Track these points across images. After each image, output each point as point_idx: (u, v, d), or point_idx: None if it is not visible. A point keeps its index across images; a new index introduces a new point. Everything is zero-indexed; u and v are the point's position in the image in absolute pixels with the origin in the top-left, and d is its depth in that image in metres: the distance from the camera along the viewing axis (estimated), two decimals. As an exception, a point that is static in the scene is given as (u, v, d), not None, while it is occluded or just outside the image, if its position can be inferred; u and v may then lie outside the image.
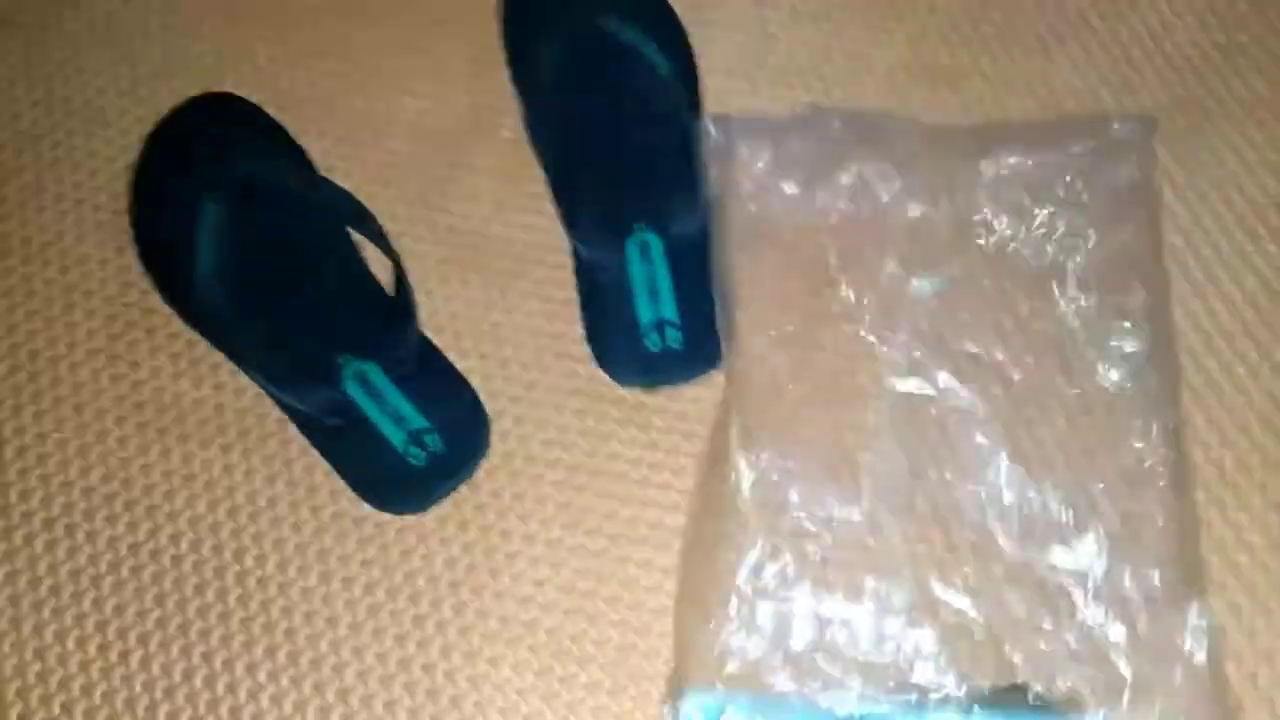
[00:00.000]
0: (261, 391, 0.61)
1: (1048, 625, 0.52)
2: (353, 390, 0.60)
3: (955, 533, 0.56)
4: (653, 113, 0.65)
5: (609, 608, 0.57)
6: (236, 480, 0.60)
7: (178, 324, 0.62)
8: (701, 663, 0.53)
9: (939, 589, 0.53)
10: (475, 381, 0.62)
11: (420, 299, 0.63)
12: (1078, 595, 0.53)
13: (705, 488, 0.58)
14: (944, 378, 0.58)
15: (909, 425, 0.58)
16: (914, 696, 0.51)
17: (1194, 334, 0.62)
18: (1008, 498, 0.55)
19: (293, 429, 0.60)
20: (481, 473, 0.60)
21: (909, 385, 0.58)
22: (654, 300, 0.62)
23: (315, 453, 0.60)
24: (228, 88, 0.68)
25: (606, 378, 0.62)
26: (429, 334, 0.63)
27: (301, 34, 0.71)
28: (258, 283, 0.62)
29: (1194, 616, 0.52)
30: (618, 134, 0.65)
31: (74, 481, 0.60)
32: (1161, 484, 0.55)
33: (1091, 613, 0.52)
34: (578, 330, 0.63)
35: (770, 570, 0.54)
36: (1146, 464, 0.56)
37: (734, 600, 0.54)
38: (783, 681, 0.52)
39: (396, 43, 0.71)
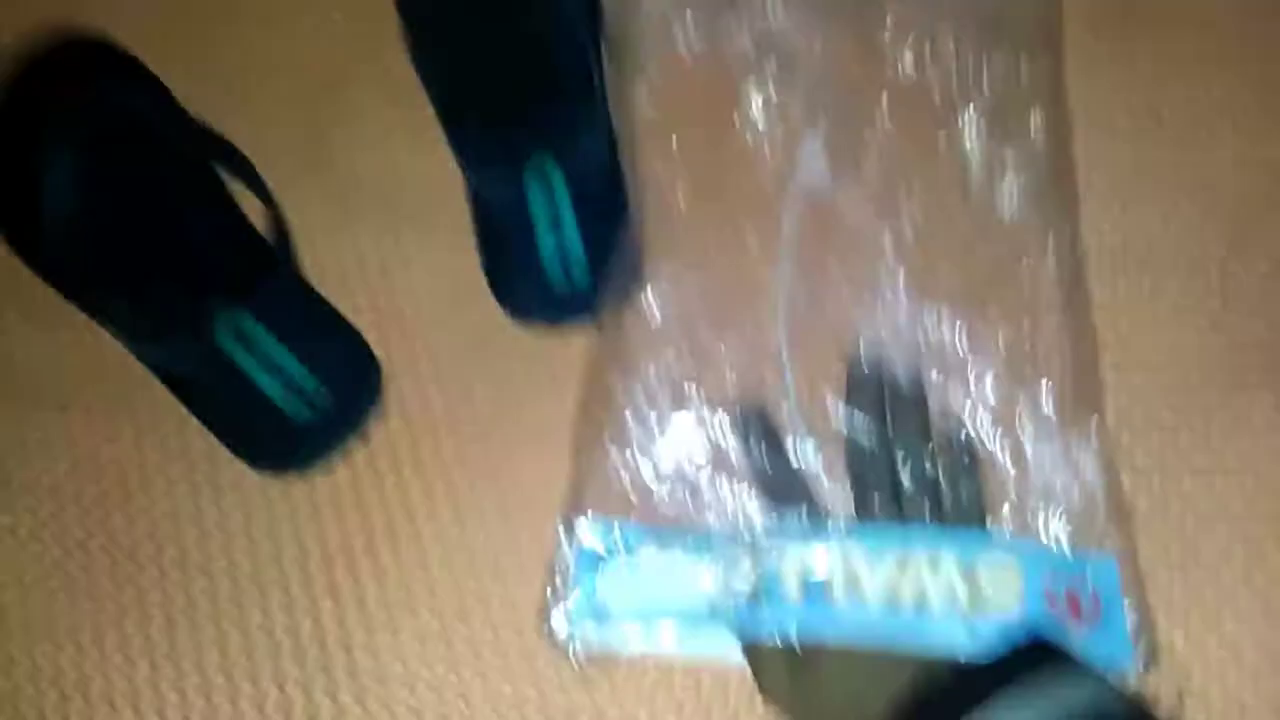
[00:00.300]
0: (125, 347, 0.55)
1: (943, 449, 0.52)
2: (226, 342, 0.55)
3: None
4: (546, 31, 0.61)
5: (517, 565, 0.53)
6: (99, 444, 0.55)
7: (25, 275, 0.56)
8: (596, 490, 0.52)
9: (835, 409, 0.52)
10: (367, 332, 0.57)
11: (305, 246, 0.59)
12: (974, 418, 0.53)
13: (606, 319, 0.56)
14: (846, 205, 0.58)
15: (811, 251, 0.57)
16: (808, 514, 0.49)
17: (1091, 166, 0.59)
18: (904, 323, 0.55)
19: (161, 387, 0.55)
20: (375, 427, 0.56)
21: (812, 213, 0.58)
22: (556, 233, 0.58)
23: (186, 411, 0.55)
24: (81, 22, 0.62)
25: (510, 322, 0.58)
26: (315, 283, 0.58)
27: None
28: (118, 230, 0.56)
29: (1090, 437, 0.52)
30: (508, 55, 0.61)
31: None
32: (1057, 309, 0.55)
33: (987, 434, 0.52)
34: (477, 272, 0.59)
35: (665, 395, 0.54)
36: (1043, 291, 0.56)
37: (629, 425, 0.53)
38: (677, 506, 0.51)
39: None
